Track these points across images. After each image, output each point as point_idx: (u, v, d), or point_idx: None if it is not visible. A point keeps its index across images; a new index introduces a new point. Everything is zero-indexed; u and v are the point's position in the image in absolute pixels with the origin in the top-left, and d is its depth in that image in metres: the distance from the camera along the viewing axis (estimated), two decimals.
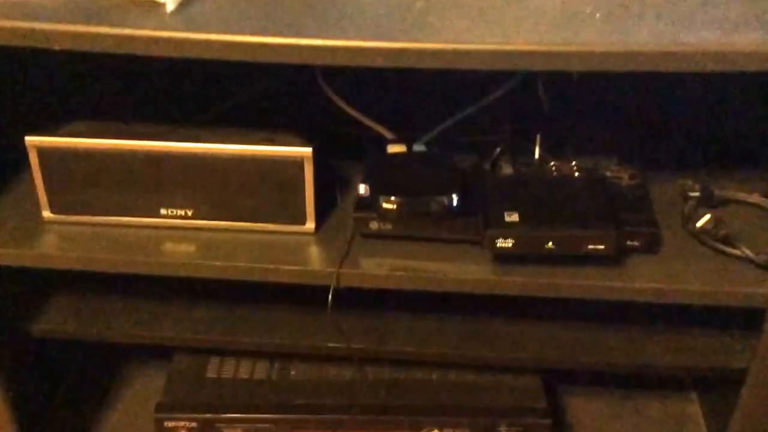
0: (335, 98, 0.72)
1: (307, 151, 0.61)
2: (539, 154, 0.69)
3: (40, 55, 0.53)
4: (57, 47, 0.51)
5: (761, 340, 0.64)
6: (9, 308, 0.74)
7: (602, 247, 0.59)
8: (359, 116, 0.72)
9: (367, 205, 0.63)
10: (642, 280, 0.61)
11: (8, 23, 0.51)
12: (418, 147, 0.69)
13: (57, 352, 0.86)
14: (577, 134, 0.71)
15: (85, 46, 0.51)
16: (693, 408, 0.86)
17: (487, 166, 0.68)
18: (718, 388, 0.79)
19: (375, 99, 0.74)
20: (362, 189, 0.63)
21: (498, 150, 0.69)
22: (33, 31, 0.51)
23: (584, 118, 0.75)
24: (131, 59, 0.52)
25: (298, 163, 0.62)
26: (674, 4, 0.53)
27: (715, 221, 0.63)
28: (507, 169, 0.68)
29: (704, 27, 0.51)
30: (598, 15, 0.52)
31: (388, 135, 0.71)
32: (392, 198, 0.62)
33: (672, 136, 0.75)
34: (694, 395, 0.87)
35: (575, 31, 0.51)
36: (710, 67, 0.49)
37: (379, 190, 0.63)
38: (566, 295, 0.62)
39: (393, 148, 0.69)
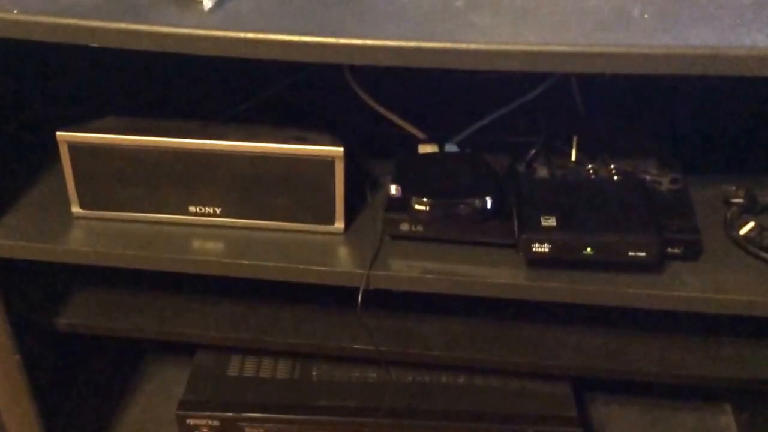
0: (365, 96, 0.71)
1: (339, 150, 0.60)
2: (576, 156, 0.67)
3: (72, 50, 0.52)
4: (95, 44, 0.51)
5: None
6: (34, 302, 0.74)
7: (643, 254, 0.58)
8: (389, 115, 0.71)
9: (398, 206, 0.62)
10: (682, 288, 0.59)
11: (47, 19, 0.51)
12: (450, 147, 0.68)
13: (80, 347, 0.86)
14: (615, 136, 0.69)
15: (123, 44, 0.50)
16: (726, 419, 0.84)
17: (521, 167, 0.67)
18: (753, 400, 0.77)
19: (406, 97, 0.73)
20: (393, 189, 0.62)
21: (533, 151, 0.68)
22: (71, 27, 0.51)
23: (622, 118, 0.73)
24: (163, 55, 0.51)
25: (329, 163, 0.61)
26: (725, 5, 0.51)
27: (759, 228, 0.61)
28: (542, 171, 0.66)
29: (756, 30, 0.49)
30: (646, 15, 0.50)
31: (419, 134, 0.70)
32: (424, 199, 0.60)
33: (714, 139, 0.73)
34: (728, 406, 0.85)
35: (622, 32, 0.49)
36: (761, 71, 0.47)
37: (410, 191, 0.61)
38: (602, 303, 0.60)
39: (424, 148, 0.68)
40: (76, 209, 0.65)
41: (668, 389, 0.85)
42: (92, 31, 0.50)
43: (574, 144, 0.67)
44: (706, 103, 0.75)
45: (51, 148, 0.62)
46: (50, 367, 0.79)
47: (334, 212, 0.63)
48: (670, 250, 0.60)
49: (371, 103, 0.71)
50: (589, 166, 0.66)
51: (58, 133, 0.61)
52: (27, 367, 0.72)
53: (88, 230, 0.64)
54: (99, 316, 0.74)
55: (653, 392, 0.85)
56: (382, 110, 0.71)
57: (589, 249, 0.58)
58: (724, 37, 0.48)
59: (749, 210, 0.64)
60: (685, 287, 0.59)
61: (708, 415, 0.85)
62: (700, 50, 0.47)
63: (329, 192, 0.62)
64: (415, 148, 0.68)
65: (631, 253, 0.58)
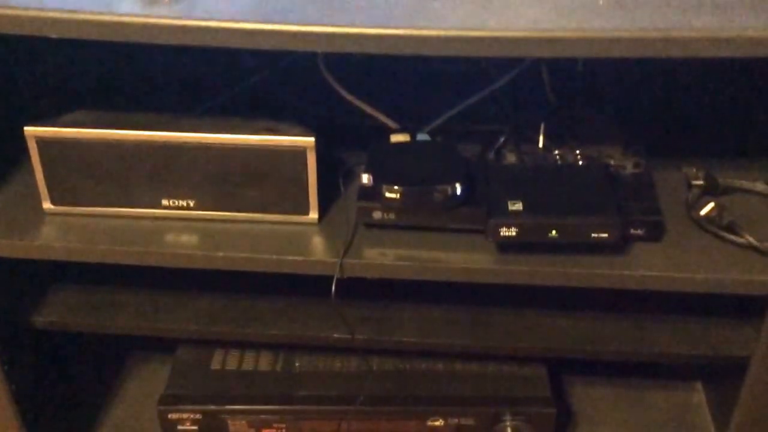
0: (338, 87, 0.71)
1: (310, 140, 0.61)
2: (543, 143, 0.68)
3: (39, 44, 0.52)
4: (55, 35, 0.51)
5: (764, 329, 0.64)
6: (11, 300, 0.74)
7: (605, 235, 0.59)
8: (362, 105, 0.72)
9: (371, 194, 0.63)
10: (645, 268, 0.61)
11: (5, 11, 0.50)
12: (422, 136, 0.69)
13: (60, 344, 0.86)
14: (581, 123, 0.71)
15: (83, 34, 0.50)
16: (698, 397, 0.86)
17: (490, 155, 0.68)
18: (723, 376, 0.79)
19: (378, 88, 0.73)
20: (365, 178, 0.63)
21: (502, 139, 0.69)
22: (31, 19, 0.51)
23: (588, 106, 0.75)
24: (132, 48, 0.52)
25: (300, 153, 0.61)
26: None
27: (719, 209, 0.63)
28: (511, 158, 0.68)
29: (710, 12, 0.50)
30: (601, 2, 0.51)
31: (392, 124, 0.71)
32: (395, 187, 0.61)
33: (676, 124, 0.74)
34: (699, 384, 0.87)
35: (580, 17, 0.50)
36: (712, 53, 0.49)
37: (382, 179, 0.62)
38: (570, 284, 0.62)
39: (396, 138, 0.68)
40: (47, 205, 0.65)
41: (641, 369, 0.86)
42: (51, 22, 0.50)
43: (542, 131, 0.68)
44: (670, 88, 0.76)
45: (20, 143, 0.61)
46: (30, 365, 0.79)
47: (308, 202, 0.64)
48: (633, 231, 0.61)
49: (345, 93, 0.71)
50: (556, 152, 0.68)
51: (26, 128, 0.61)
52: (5, 367, 0.71)
53: (59, 226, 0.64)
54: (76, 313, 0.74)
55: (626, 372, 0.87)
56: (355, 101, 0.72)
57: (554, 231, 0.59)
58: (676, 20, 0.49)
59: (710, 191, 0.66)
60: (649, 267, 0.60)
61: (680, 393, 0.86)
62: (653, 33, 0.48)
63: (302, 182, 0.63)
64: (388, 138, 0.69)
65: (594, 235, 0.59)
